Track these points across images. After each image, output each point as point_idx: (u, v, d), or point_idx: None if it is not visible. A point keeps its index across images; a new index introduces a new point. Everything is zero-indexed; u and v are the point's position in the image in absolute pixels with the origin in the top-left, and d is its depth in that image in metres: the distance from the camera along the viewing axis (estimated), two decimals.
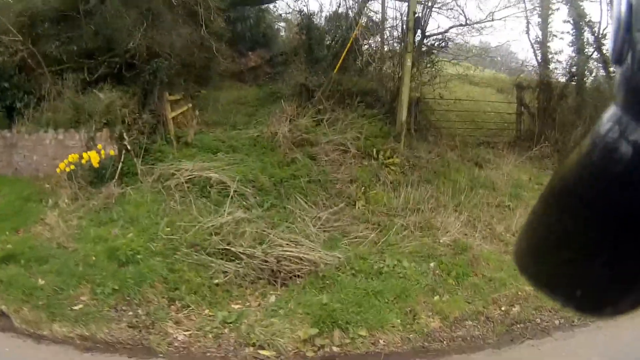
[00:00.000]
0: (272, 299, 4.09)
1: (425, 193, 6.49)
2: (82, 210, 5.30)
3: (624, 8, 0.28)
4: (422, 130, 8.85)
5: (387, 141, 7.58)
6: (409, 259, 4.63)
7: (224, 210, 5.29)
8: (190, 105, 8.49)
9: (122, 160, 6.25)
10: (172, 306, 3.85)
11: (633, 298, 0.32)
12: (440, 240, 5.30)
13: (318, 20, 10.29)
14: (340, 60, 8.65)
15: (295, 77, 9.09)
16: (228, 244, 4.62)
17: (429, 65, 9.02)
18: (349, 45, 8.65)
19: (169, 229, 4.87)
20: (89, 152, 6.07)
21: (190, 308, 3.81)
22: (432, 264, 4.68)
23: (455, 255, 4.97)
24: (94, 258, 4.29)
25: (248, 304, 4.02)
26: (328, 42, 9.86)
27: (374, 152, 7.23)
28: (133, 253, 4.28)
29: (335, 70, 8.56)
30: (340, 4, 9.91)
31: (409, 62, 8.11)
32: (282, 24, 14.36)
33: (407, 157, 7.50)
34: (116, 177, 6.01)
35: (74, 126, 6.63)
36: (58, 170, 5.83)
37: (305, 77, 8.74)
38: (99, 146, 6.23)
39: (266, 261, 4.45)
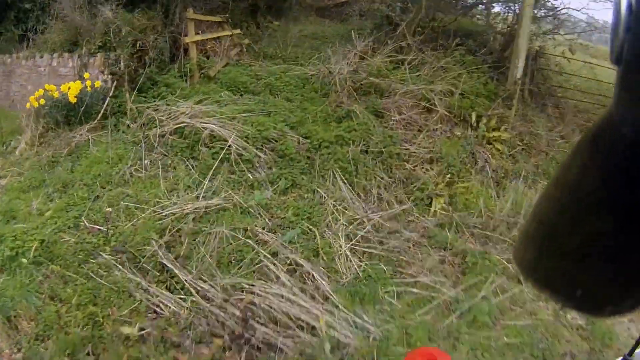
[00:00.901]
0: None
1: None
2: (28, 163, 3.76)
3: (624, 8, 0.28)
4: (540, 97, 5.60)
5: (493, 104, 4.56)
6: None
7: (204, 186, 3.21)
8: (235, 31, 6.39)
9: (112, 94, 4.55)
10: None
11: (633, 298, 0.32)
12: (568, 315, 2.47)
13: None
14: None
15: (376, 6, 6.55)
16: (176, 258, 2.54)
17: (551, 12, 6.42)
18: None
19: (109, 209, 3.01)
20: (76, 82, 4.52)
21: None
22: None
23: (590, 356, 2.20)
24: None
25: None
26: None
27: (473, 117, 4.28)
28: (15, 253, 2.50)
29: None
30: None
31: None
32: None
33: (520, 133, 4.46)
34: (99, 117, 4.38)
35: (70, 49, 5.12)
36: (27, 105, 4.39)
37: (388, 5, 6.08)
38: (86, 75, 4.59)
39: (226, 308, 2.28)
